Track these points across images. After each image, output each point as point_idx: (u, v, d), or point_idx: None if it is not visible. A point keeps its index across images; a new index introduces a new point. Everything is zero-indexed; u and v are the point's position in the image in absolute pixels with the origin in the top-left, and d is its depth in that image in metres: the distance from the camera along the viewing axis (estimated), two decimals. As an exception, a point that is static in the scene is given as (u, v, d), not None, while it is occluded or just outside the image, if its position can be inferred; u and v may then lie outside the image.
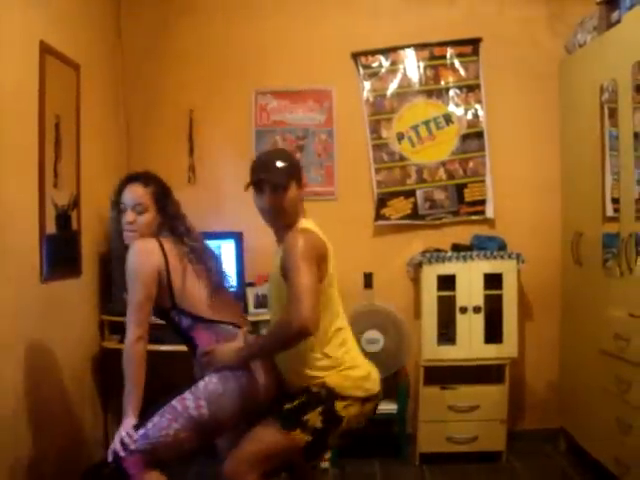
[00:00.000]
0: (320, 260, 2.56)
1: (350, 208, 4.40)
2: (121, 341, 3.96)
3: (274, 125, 4.44)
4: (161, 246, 2.67)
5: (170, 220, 2.76)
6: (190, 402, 2.56)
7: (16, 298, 3.07)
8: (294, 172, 2.67)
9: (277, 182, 2.60)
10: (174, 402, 2.59)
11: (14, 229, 3.05)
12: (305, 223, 2.68)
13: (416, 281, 4.26)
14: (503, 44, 4.36)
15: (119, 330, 4.01)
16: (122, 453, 2.46)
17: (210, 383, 2.59)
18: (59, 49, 3.48)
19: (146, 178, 2.74)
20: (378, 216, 4.41)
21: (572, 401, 4.02)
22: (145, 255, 2.65)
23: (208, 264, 2.80)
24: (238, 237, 4.10)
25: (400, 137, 4.42)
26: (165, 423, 2.52)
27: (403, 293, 4.29)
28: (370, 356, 4.01)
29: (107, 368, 4.00)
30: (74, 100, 3.71)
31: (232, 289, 3.06)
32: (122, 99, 4.43)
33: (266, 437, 2.54)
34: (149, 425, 2.52)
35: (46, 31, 3.37)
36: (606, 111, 3.60)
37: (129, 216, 2.68)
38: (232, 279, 3.82)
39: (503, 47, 4.35)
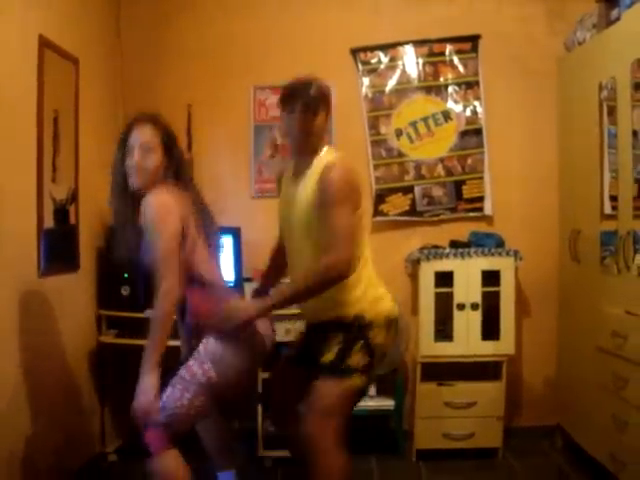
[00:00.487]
0: (357, 194, 2.64)
1: (348, 204, 4.39)
2: (118, 335, 3.98)
3: (273, 121, 4.43)
4: (174, 195, 2.62)
5: (176, 164, 2.71)
6: (196, 368, 2.54)
7: (14, 292, 3.07)
8: (326, 99, 2.71)
9: (309, 102, 2.63)
10: (181, 372, 2.56)
11: (12, 223, 3.05)
12: (332, 153, 2.71)
13: (414, 277, 4.26)
14: (502, 41, 4.36)
15: (116, 325, 4.03)
16: (146, 417, 2.44)
17: (209, 344, 2.57)
18: (58, 43, 3.48)
19: (155, 119, 2.69)
20: (376, 212, 4.41)
21: (569, 398, 4.03)
22: (165, 207, 2.57)
23: (206, 221, 2.77)
24: (236, 233, 4.09)
25: (399, 133, 4.42)
26: (178, 394, 2.51)
27: (401, 289, 4.28)
28: None
29: (104, 362, 4.01)
30: (73, 94, 3.70)
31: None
32: (121, 94, 4.42)
33: (331, 391, 2.60)
34: (163, 398, 2.50)
35: (45, 25, 3.36)
36: (605, 109, 3.59)
37: (136, 155, 2.61)
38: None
39: (502, 44, 4.35)
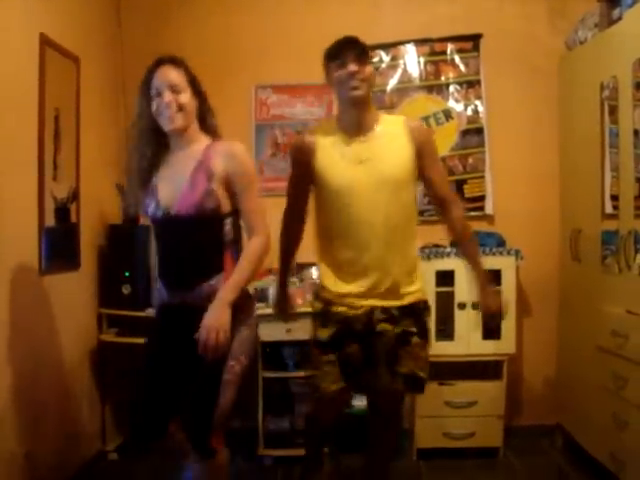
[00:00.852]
0: None
1: (349, 203, 4.40)
2: (118, 334, 3.97)
3: (274, 119, 4.44)
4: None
5: (202, 106, 2.65)
6: (238, 367, 2.50)
7: (14, 290, 3.07)
8: (369, 51, 2.76)
9: (362, 50, 2.68)
10: (226, 376, 2.47)
11: (13, 221, 3.05)
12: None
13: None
14: (504, 40, 4.35)
15: (117, 323, 4.03)
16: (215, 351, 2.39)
17: (241, 336, 2.52)
18: (59, 41, 3.48)
19: (178, 60, 2.61)
20: (377, 211, 4.40)
21: (569, 397, 4.03)
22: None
23: None
24: (237, 231, 4.09)
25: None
26: (234, 395, 2.50)
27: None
28: None
29: (105, 361, 4.02)
30: (74, 93, 3.70)
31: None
32: (122, 92, 4.42)
33: (423, 352, 2.83)
34: (222, 401, 2.46)
35: (46, 23, 3.36)
36: (606, 108, 3.59)
37: (167, 96, 2.49)
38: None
39: (503, 43, 4.35)
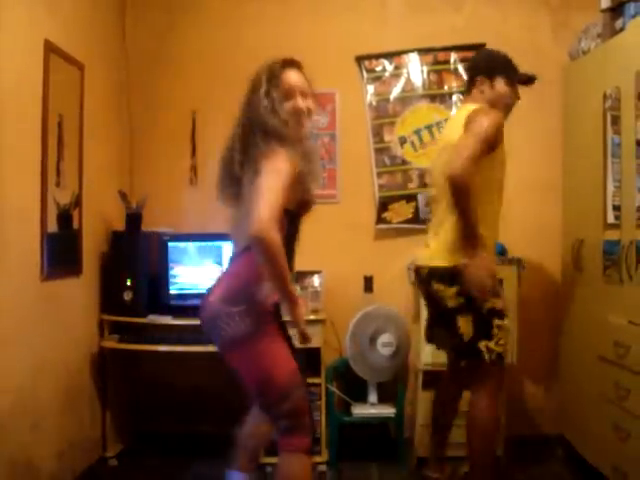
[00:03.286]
0: None
1: (352, 211, 4.42)
2: (120, 340, 3.97)
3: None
4: None
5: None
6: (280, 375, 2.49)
7: (16, 296, 3.08)
8: None
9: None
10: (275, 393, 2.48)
11: (15, 227, 3.06)
12: None
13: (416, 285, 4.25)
14: (507, 50, 4.30)
15: (118, 330, 4.03)
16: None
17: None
18: (64, 48, 3.49)
19: (301, 65, 2.71)
20: (379, 220, 4.41)
21: (570, 408, 4.02)
22: None
23: None
24: (239, 239, 4.09)
25: (402, 141, 4.42)
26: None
27: (403, 297, 4.28)
28: (384, 359, 4.06)
29: (106, 367, 4.01)
30: (78, 100, 3.71)
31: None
32: (125, 99, 4.44)
33: None
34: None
35: (51, 30, 3.38)
36: (609, 118, 3.59)
37: (301, 102, 2.56)
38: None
39: (507, 53, 4.34)
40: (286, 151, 2.39)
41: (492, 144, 3.00)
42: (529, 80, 3.26)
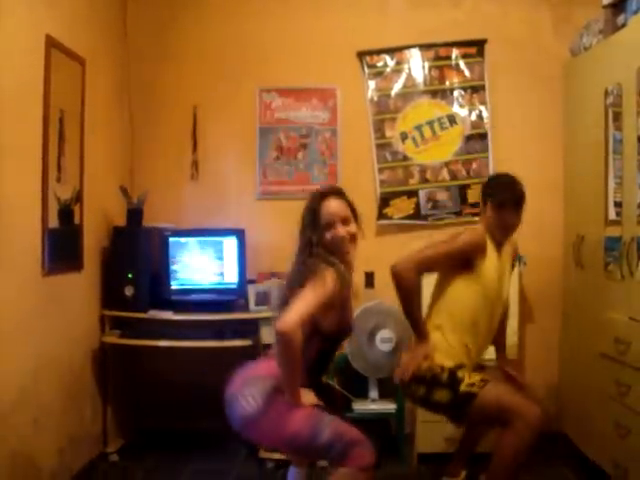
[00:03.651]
0: None
1: (353, 207, 4.41)
2: (121, 336, 3.97)
3: (278, 123, 4.44)
4: None
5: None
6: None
7: (18, 291, 3.08)
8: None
9: (524, 200, 3.13)
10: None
11: (17, 222, 3.06)
12: None
13: (417, 281, 4.25)
14: (508, 46, 4.36)
15: (120, 325, 4.03)
16: None
17: None
18: (65, 43, 3.49)
19: (343, 193, 2.78)
20: (380, 215, 4.41)
21: (571, 404, 4.02)
22: None
23: None
24: (240, 234, 4.10)
25: (404, 137, 4.42)
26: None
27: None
28: (383, 355, 4.07)
29: (107, 363, 4.02)
30: (79, 95, 3.71)
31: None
32: (127, 94, 4.44)
33: None
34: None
35: (52, 25, 3.37)
36: (610, 114, 3.59)
37: (341, 230, 2.66)
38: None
39: (508, 49, 4.35)
40: (331, 273, 2.53)
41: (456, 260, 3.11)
42: (502, 204, 3.11)
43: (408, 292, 3.06)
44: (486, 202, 3.18)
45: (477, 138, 4.39)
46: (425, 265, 3.12)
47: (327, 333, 2.62)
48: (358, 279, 4.27)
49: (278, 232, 4.38)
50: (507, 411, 2.87)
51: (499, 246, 3.15)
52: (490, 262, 3.09)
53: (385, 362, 4.06)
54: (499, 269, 3.13)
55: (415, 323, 3.11)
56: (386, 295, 4.19)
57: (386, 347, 4.04)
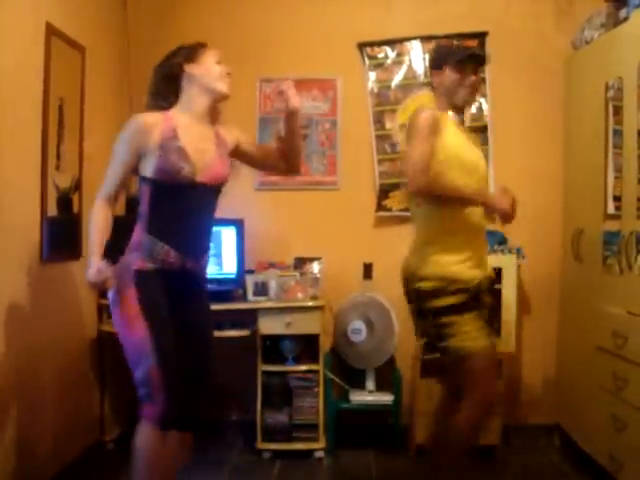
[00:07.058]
0: None
1: (352, 198, 4.41)
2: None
3: (278, 113, 4.42)
4: None
5: None
6: None
7: (16, 279, 3.08)
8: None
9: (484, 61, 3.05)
10: None
11: (15, 210, 3.06)
12: None
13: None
14: (509, 38, 4.34)
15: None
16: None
17: None
18: (65, 31, 3.48)
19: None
20: (379, 207, 4.41)
21: (568, 397, 4.03)
22: None
23: None
24: (239, 224, 4.09)
25: (404, 129, 4.41)
26: None
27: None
28: (361, 343, 4.10)
29: (104, 351, 4.02)
30: (79, 83, 3.70)
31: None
32: (127, 83, 4.42)
33: None
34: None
35: (52, 13, 3.36)
36: (611, 108, 3.58)
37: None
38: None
39: (509, 41, 4.34)
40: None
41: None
42: (464, 61, 2.93)
43: (441, 186, 2.90)
44: (442, 66, 2.95)
45: (477, 131, 4.37)
46: (426, 163, 2.84)
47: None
48: (357, 270, 4.31)
49: (277, 222, 4.38)
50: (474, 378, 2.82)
51: (458, 116, 3.04)
52: (450, 130, 2.94)
53: (362, 351, 4.14)
54: (465, 139, 3.03)
55: (464, 192, 2.98)
56: (384, 286, 4.20)
57: (358, 337, 4.10)
